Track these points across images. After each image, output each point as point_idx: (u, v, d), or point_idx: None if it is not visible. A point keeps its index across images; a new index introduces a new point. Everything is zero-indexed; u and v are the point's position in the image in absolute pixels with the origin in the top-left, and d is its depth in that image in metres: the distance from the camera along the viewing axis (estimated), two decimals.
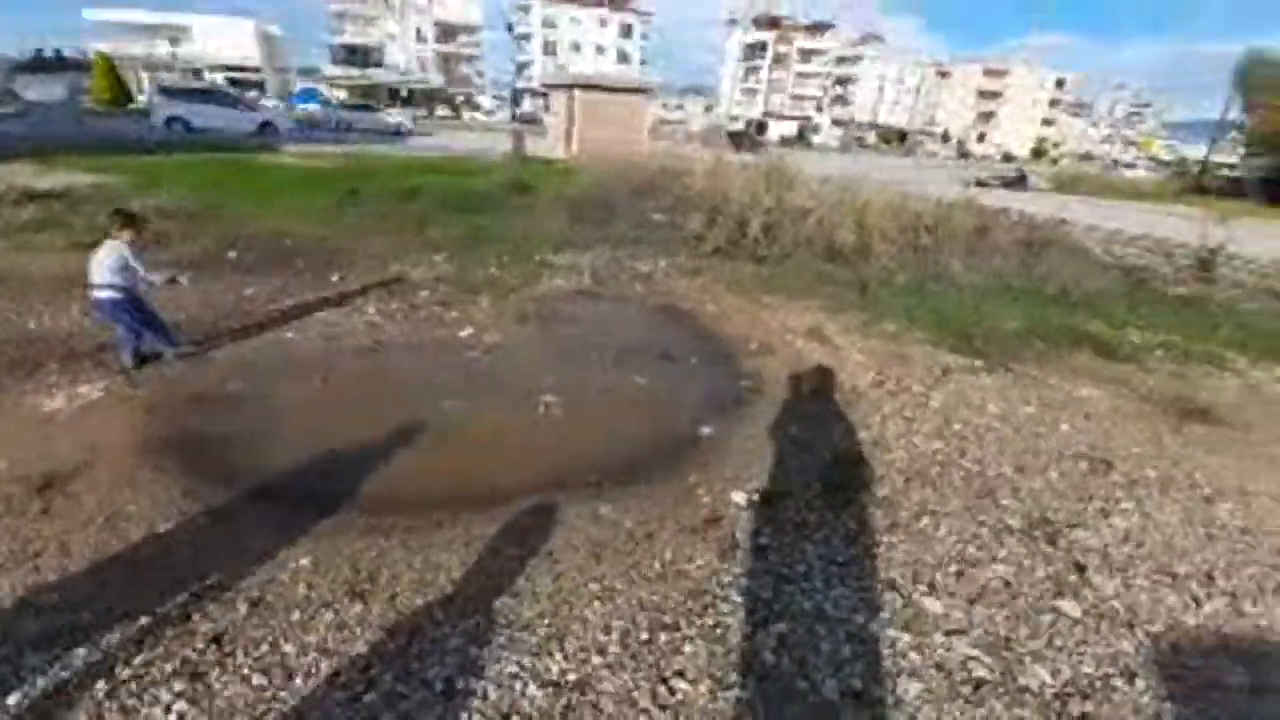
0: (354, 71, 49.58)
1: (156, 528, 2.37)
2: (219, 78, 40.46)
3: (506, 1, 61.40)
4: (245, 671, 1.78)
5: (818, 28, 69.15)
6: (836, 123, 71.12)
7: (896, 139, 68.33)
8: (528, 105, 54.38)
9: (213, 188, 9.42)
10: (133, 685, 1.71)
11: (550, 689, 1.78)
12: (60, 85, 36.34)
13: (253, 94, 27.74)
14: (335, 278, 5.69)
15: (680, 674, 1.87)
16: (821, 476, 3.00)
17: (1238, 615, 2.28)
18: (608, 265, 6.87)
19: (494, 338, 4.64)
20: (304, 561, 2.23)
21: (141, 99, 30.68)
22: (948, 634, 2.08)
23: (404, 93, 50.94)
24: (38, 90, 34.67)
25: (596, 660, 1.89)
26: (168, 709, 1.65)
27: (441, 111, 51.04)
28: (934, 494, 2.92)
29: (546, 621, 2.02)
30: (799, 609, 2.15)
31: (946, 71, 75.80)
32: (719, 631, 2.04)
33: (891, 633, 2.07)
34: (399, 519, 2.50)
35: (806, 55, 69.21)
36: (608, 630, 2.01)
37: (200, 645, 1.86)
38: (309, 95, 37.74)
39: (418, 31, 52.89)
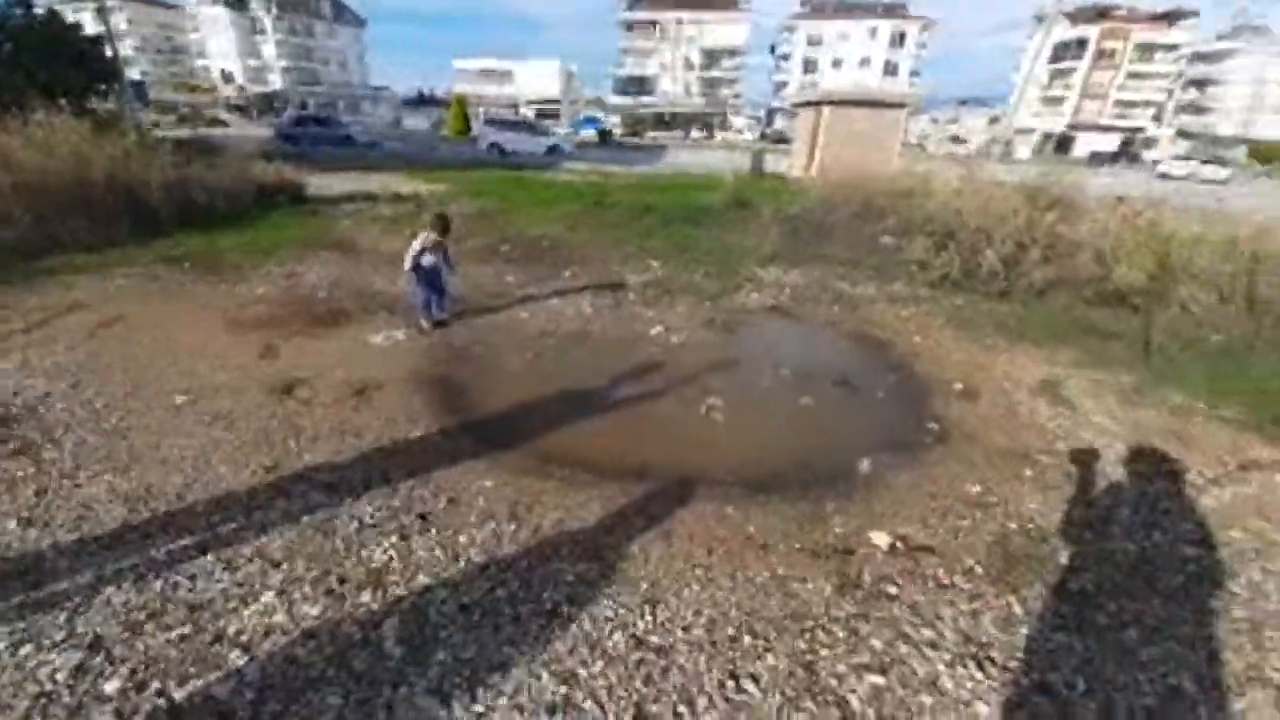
0: (629, 100, 56.58)
1: (411, 433, 3.29)
2: (529, 110, 50.32)
3: (774, 23, 62.80)
4: (433, 545, 2.41)
5: (1169, 17, 54.12)
6: (1185, 135, 54.83)
7: None
8: (780, 124, 54.81)
9: (503, 197, 11.97)
10: (370, 530, 2.48)
11: (632, 641, 2.00)
12: (427, 118, 50.11)
13: (547, 122, 33.98)
14: (567, 273, 6.78)
15: (754, 678, 1.89)
16: (991, 545, 2.57)
17: None
18: (810, 285, 6.71)
19: (679, 339, 5.01)
20: (487, 482, 2.86)
21: (475, 129, 40.09)
22: None
23: (666, 117, 56.18)
24: (412, 121, 48.74)
25: (679, 634, 2.04)
26: (385, 551, 2.36)
27: (696, 133, 54.76)
28: (1162, 608, 2.25)
29: (646, 587, 2.24)
30: (909, 671, 1.95)
31: None
32: (809, 659, 1.98)
33: None
34: (560, 470, 2.99)
35: (1147, 52, 54.80)
36: (698, 613, 2.13)
37: (412, 518, 2.57)
38: (590, 122, 44.56)
39: (686, 59, 57.62)
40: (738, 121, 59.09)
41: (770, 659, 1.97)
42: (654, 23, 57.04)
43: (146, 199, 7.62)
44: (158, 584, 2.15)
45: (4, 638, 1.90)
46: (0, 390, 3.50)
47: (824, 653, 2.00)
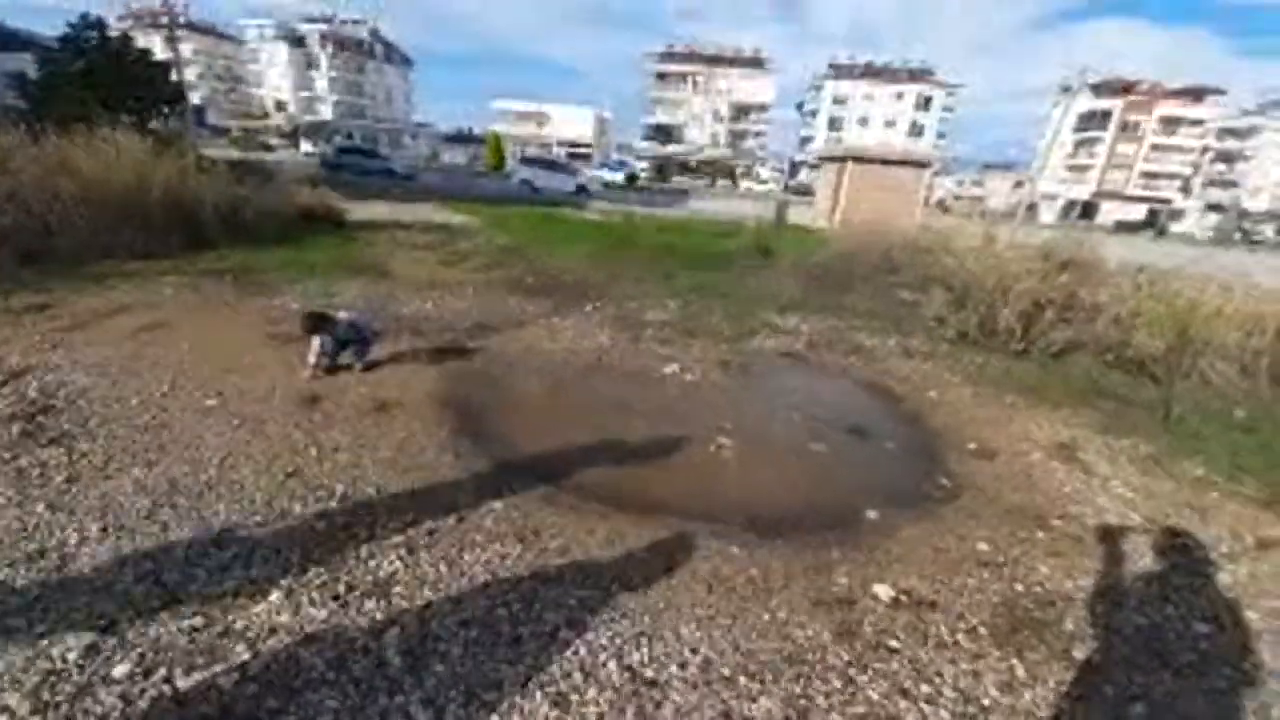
0: (656, 146, 58.65)
1: (425, 451, 3.37)
2: (563, 151, 52.40)
3: (804, 80, 65.26)
4: (438, 559, 2.46)
5: (1192, 93, 55.11)
6: (1213, 208, 55.02)
7: None
8: (804, 176, 56.19)
9: (530, 232, 12.40)
10: (380, 541, 2.53)
11: (626, 673, 1.99)
12: (464, 153, 52.76)
13: (577, 164, 35.39)
14: (588, 308, 6.95)
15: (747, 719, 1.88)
16: (997, 606, 2.53)
17: None
18: (827, 334, 6.78)
19: (693, 378, 5.08)
20: (497, 505, 2.91)
21: (509, 165, 41.77)
22: None
23: (692, 164, 57.99)
24: (450, 156, 51.47)
25: (674, 670, 2.03)
26: (392, 563, 2.40)
27: (722, 181, 56.27)
28: (1172, 683, 2.19)
29: (645, 619, 2.24)
30: None
31: None
32: (803, 704, 1.96)
33: None
34: (568, 497, 3.03)
35: (1171, 125, 55.66)
36: (695, 651, 2.13)
37: (421, 533, 2.62)
38: (617, 165, 46.21)
39: (715, 112, 59.86)
40: (763, 172, 60.65)
41: (765, 701, 1.95)
42: (684, 75, 59.67)
43: (198, 215, 8.06)
44: (174, 574, 2.22)
45: (22, 614, 1.97)
46: (45, 383, 3.69)
47: (820, 700, 1.98)
